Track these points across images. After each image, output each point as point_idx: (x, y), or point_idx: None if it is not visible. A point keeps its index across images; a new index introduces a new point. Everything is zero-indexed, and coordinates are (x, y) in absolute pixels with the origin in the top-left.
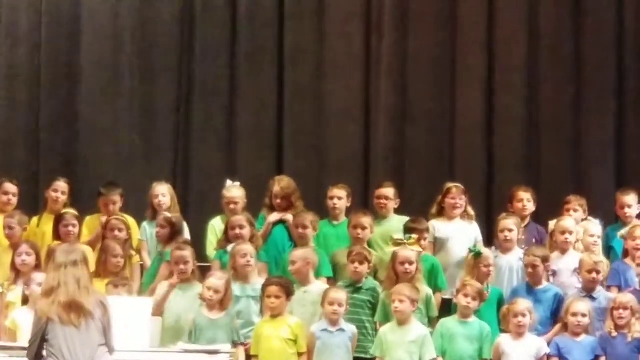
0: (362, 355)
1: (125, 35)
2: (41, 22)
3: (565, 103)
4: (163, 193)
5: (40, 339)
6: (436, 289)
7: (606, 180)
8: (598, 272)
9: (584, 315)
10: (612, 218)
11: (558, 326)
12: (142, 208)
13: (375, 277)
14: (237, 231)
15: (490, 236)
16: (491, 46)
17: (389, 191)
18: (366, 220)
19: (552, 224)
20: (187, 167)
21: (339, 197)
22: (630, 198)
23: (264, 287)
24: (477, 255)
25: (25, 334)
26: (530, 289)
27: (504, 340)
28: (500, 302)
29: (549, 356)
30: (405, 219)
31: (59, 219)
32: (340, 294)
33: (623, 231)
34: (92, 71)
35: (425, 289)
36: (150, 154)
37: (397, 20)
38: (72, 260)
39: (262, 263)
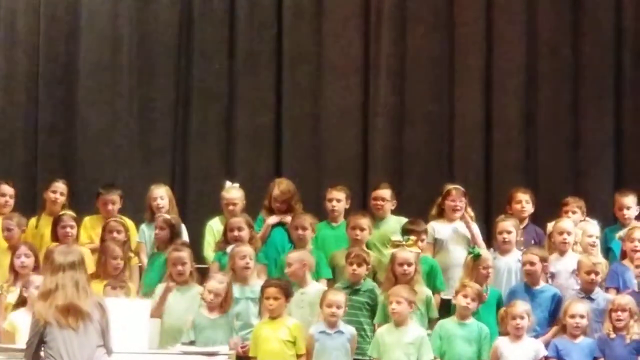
0: (360, 357)
1: (124, 37)
2: (39, 24)
3: (564, 104)
4: (161, 195)
5: (38, 342)
6: (435, 290)
7: (605, 181)
8: (597, 273)
9: (582, 317)
10: (610, 219)
11: (556, 327)
12: (140, 210)
13: (374, 279)
14: (236, 233)
15: (488, 238)
16: (490, 47)
17: (385, 192)
18: (364, 221)
19: (550, 225)
20: (186, 169)
21: (338, 199)
22: (629, 200)
23: (263, 288)
24: (476, 256)
25: (23, 336)
26: (528, 288)
27: (502, 343)
28: (499, 304)
29: (547, 358)
30: (403, 219)
31: (57, 221)
32: (338, 296)
33: (621, 233)
34: (90, 73)
35: (425, 291)
36: (148, 155)
37: (396, 21)
38: (70, 262)
39: (261, 265)
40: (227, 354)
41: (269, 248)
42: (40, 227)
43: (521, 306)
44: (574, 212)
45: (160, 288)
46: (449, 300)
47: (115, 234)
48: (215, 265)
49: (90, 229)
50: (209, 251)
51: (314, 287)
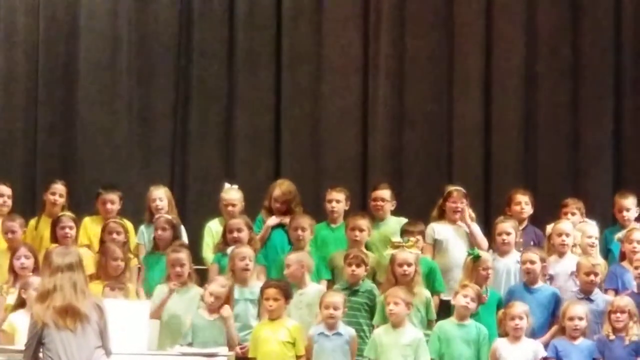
0: (359, 359)
1: (123, 37)
2: (39, 24)
3: (563, 104)
4: (160, 197)
5: (36, 343)
6: (434, 291)
7: (604, 182)
8: (596, 275)
9: (580, 319)
10: (610, 220)
11: (555, 328)
12: (140, 210)
13: (374, 280)
14: (235, 234)
15: (488, 239)
16: (489, 47)
17: (384, 193)
18: (364, 222)
19: (549, 227)
20: (185, 170)
21: (337, 200)
22: (628, 201)
23: (262, 289)
24: (476, 258)
25: (22, 337)
26: (527, 288)
27: (501, 344)
28: (499, 306)
29: (546, 359)
30: (403, 220)
31: (56, 222)
32: (336, 298)
33: (620, 234)
34: (90, 73)
35: (425, 292)
36: (148, 156)
37: (395, 21)
38: (68, 263)
39: (260, 266)
40: (226, 355)
41: (269, 249)
42: (40, 229)
43: (520, 307)
44: (573, 214)
45: (159, 289)
46: (448, 302)
47: (114, 235)
48: (215, 267)
49: (89, 229)
50: (207, 252)
51: (313, 288)
